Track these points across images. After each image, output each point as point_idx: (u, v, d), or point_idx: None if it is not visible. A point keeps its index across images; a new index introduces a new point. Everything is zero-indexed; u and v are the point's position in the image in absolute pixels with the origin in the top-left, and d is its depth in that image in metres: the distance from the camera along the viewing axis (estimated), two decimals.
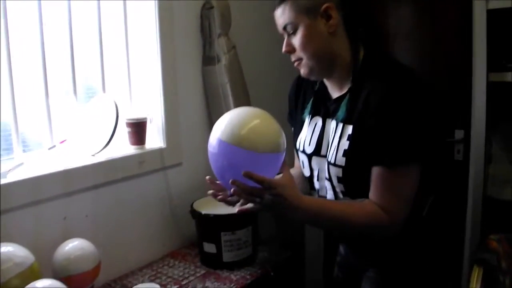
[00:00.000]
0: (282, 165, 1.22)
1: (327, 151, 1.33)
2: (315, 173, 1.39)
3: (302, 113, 1.44)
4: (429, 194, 1.38)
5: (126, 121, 1.75)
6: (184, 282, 1.61)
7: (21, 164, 1.46)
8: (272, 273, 1.71)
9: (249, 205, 1.22)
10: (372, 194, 1.24)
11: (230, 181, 1.15)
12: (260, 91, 2.20)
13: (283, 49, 1.33)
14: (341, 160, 1.26)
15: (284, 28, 1.30)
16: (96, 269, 1.39)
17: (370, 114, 1.21)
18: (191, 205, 1.79)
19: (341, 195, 1.32)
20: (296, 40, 1.29)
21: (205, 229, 1.74)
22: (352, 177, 1.27)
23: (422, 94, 1.21)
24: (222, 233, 1.69)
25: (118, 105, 1.64)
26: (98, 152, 1.63)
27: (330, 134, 1.32)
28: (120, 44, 1.82)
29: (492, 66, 2.10)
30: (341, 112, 1.28)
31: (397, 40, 2.56)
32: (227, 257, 1.71)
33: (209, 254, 1.72)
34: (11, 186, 1.37)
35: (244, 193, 1.17)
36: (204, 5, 1.93)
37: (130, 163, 1.72)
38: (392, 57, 1.31)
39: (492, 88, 2.11)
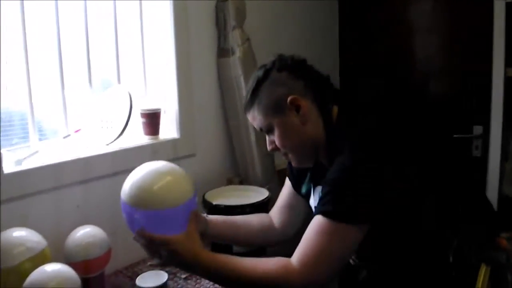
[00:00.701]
0: (190, 218, 1.24)
1: None
2: None
3: (304, 181, 1.43)
4: (453, 238, 1.24)
5: (140, 111, 1.78)
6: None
7: (36, 152, 1.50)
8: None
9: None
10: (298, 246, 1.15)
11: (132, 237, 1.23)
12: None
13: (268, 148, 1.33)
14: None
15: (261, 130, 1.31)
16: (106, 256, 1.41)
17: None
18: (203, 196, 1.81)
19: (356, 260, 1.30)
20: (275, 139, 1.28)
21: None
22: None
23: (381, 161, 1.13)
24: None
25: (132, 96, 1.67)
26: (112, 142, 1.66)
27: None
28: (135, 36, 1.84)
29: (511, 61, 2.06)
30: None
31: (417, 35, 2.54)
32: (237, 247, 1.72)
33: (220, 245, 1.74)
34: (27, 173, 1.42)
35: (144, 248, 1.24)
36: None
37: (143, 153, 1.75)
38: (362, 114, 1.27)
39: (510, 83, 2.08)
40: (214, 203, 1.74)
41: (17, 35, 1.47)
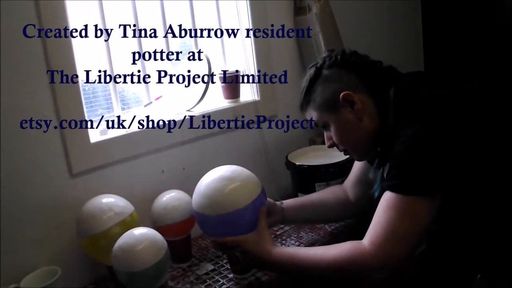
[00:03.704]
0: (260, 216, 1.26)
1: None
2: None
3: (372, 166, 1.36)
4: None
5: (219, 75, 1.78)
6: (279, 232, 1.64)
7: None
8: (367, 225, 1.68)
9: None
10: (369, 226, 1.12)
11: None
12: (356, 39, 2.11)
13: (326, 144, 1.31)
14: None
15: (316, 125, 1.28)
16: (192, 219, 1.44)
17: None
18: (286, 157, 1.79)
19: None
20: (333, 136, 1.26)
21: (300, 180, 1.75)
22: None
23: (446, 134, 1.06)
24: (316, 184, 1.68)
25: (210, 60, 1.67)
26: (193, 107, 1.69)
27: None
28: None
29: None
30: None
31: None
32: None
33: None
34: (112, 142, 1.48)
35: (221, 251, 1.36)
36: None
37: (225, 117, 1.75)
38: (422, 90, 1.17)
39: None
40: (297, 163, 1.72)
41: (95, 7, 1.51)
